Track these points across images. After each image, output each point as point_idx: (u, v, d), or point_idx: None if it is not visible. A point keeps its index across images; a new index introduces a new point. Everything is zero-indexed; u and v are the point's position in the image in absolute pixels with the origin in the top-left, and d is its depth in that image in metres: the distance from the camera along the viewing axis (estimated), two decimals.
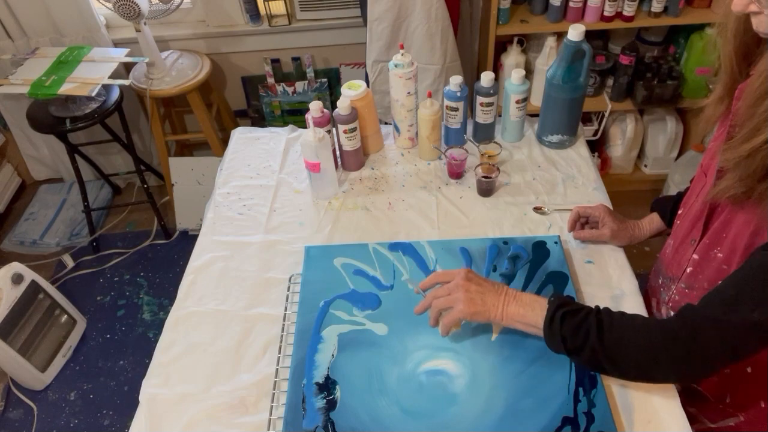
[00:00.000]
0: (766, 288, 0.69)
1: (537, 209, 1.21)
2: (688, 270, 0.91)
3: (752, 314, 0.70)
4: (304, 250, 1.14)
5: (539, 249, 1.11)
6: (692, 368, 0.77)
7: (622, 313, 0.83)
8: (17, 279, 1.90)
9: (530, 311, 0.85)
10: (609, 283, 1.07)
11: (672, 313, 0.94)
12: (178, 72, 2.21)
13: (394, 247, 1.14)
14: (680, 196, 1.02)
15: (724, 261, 0.83)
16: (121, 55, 2.08)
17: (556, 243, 1.11)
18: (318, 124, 1.22)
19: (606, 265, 1.10)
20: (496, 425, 0.86)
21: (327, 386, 0.93)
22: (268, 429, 0.90)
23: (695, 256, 0.89)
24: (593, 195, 1.24)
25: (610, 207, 1.21)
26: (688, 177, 2.24)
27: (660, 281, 1.03)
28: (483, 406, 0.89)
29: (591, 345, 0.79)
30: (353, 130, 1.27)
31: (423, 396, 0.91)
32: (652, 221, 1.12)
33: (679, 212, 0.97)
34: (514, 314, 0.86)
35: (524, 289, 1.04)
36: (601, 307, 0.84)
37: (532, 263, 1.08)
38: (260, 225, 1.24)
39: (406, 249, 1.13)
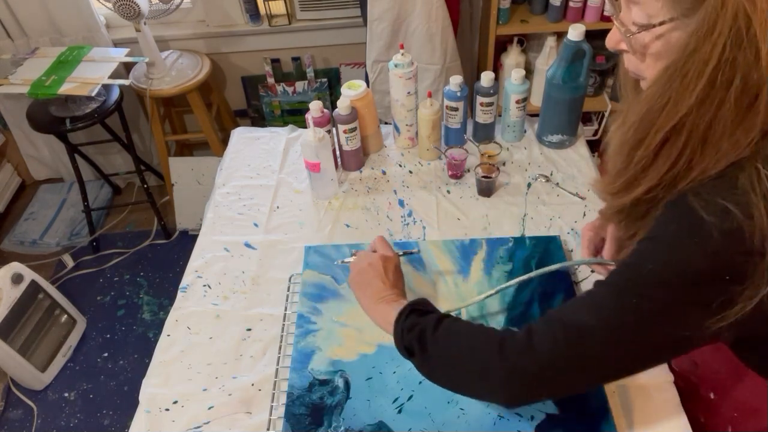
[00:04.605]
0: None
1: (543, 176, 1.25)
2: None
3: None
4: (304, 250, 1.14)
5: (539, 248, 1.10)
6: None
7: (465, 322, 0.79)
8: (17, 279, 1.90)
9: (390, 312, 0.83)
10: None
11: None
12: (178, 72, 2.21)
13: (395, 246, 1.13)
14: None
15: None
16: (121, 55, 2.08)
17: (556, 242, 1.11)
18: (318, 124, 1.22)
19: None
20: (495, 425, 0.86)
21: (327, 381, 0.93)
22: (268, 429, 0.90)
23: None
24: (593, 195, 1.24)
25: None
26: None
27: None
28: (482, 405, 0.89)
29: (421, 344, 0.76)
30: (353, 130, 1.27)
31: (422, 396, 0.90)
32: None
33: None
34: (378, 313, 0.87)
35: (524, 288, 1.04)
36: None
37: (532, 262, 1.08)
38: (260, 225, 1.24)
39: (406, 248, 1.13)
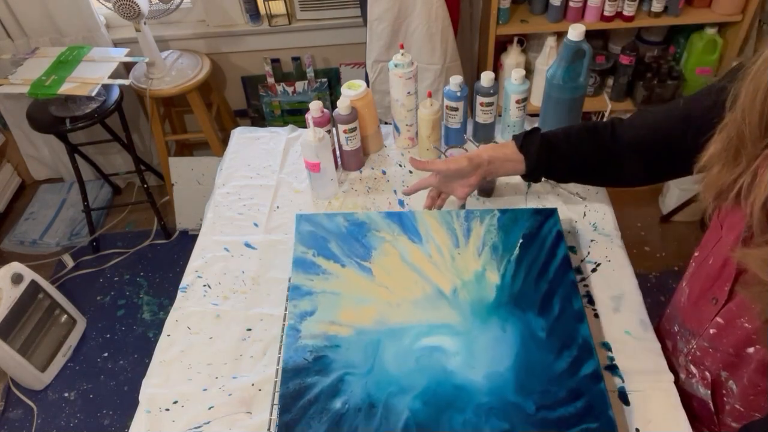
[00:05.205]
0: None
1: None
2: (711, 331, 0.84)
3: None
4: (296, 218, 1.13)
5: (537, 219, 1.09)
6: None
7: None
8: (17, 279, 1.90)
9: None
10: (609, 283, 1.07)
11: (692, 368, 0.91)
12: (178, 72, 2.21)
13: (390, 216, 1.12)
14: (544, 138, 1.01)
15: (753, 332, 0.76)
16: (121, 54, 2.08)
17: (555, 215, 1.09)
18: (318, 124, 1.22)
19: (606, 265, 1.10)
20: (493, 403, 0.85)
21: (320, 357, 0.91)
22: (269, 429, 0.90)
23: (719, 320, 0.81)
24: (594, 195, 1.24)
25: (610, 207, 1.21)
26: (688, 177, 2.24)
27: (676, 328, 0.96)
28: (481, 384, 0.87)
29: None
30: (353, 130, 1.27)
31: (420, 375, 0.89)
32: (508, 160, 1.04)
33: (696, 255, 0.90)
34: None
35: (521, 264, 1.02)
36: None
37: (531, 237, 1.06)
38: (260, 225, 1.24)
39: (402, 218, 1.11)
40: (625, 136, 0.97)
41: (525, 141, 1.01)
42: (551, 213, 1.10)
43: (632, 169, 0.99)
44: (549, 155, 1.00)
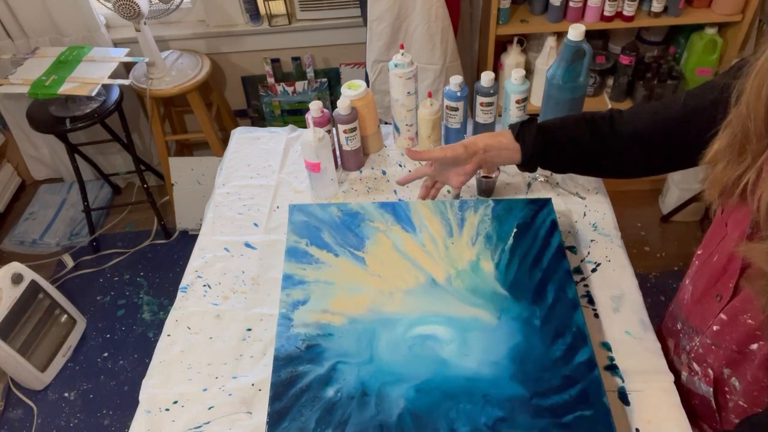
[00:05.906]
0: None
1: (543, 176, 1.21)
2: (715, 328, 0.84)
3: None
4: (289, 208, 1.12)
5: (530, 209, 1.08)
6: None
7: None
8: (17, 279, 1.90)
9: None
10: (609, 283, 1.07)
11: (695, 365, 0.91)
12: (178, 72, 2.21)
13: (383, 206, 1.11)
14: (540, 127, 1.00)
15: (757, 328, 0.76)
16: (121, 54, 2.08)
17: (549, 206, 1.09)
18: (318, 124, 1.22)
19: (606, 265, 1.10)
20: (488, 391, 0.85)
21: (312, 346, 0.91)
22: None
23: (723, 316, 0.81)
24: (594, 194, 1.24)
25: (610, 207, 1.21)
26: (688, 177, 2.24)
27: (679, 326, 0.95)
28: (475, 372, 0.87)
29: None
30: (353, 130, 1.27)
31: (413, 363, 0.88)
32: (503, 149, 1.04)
33: (698, 252, 0.90)
34: None
35: (515, 253, 1.02)
36: None
37: (525, 227, 1.06)
38: (260, 225, 1.24)
39: (395, 208, 1.11)
40: (625, 126, 0.96)
41: (521, 130, 1.01)
42: (545, 203, 1.09)
43: (630, 160, 0.98)
44: (545, 144, 1.00)
